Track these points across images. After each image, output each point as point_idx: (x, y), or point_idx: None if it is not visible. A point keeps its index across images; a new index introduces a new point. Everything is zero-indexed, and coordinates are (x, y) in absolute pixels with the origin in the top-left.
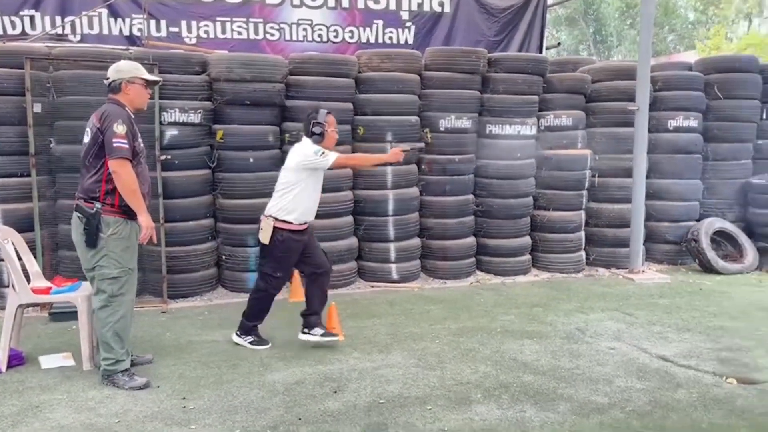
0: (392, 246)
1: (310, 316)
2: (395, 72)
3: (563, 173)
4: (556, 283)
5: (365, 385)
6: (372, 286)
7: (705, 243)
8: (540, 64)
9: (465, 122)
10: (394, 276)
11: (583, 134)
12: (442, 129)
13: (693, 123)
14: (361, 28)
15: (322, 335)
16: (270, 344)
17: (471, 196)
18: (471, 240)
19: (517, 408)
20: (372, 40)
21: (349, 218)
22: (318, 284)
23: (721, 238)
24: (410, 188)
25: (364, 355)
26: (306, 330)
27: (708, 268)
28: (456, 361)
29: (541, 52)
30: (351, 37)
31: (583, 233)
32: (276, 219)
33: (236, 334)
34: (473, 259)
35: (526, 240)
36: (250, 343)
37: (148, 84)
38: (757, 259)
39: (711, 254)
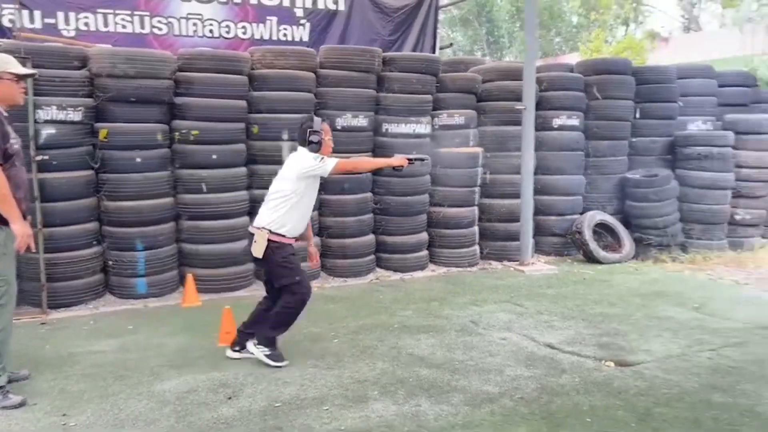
0: None
1: (247, 335)
2: (290, 69)
3: (457, 171)
4: (452, 277)
5: (261, 389)
6: None
7: (588, 235)
8: (433, 64)
9: (361, 121)
10: None
11: (475, 132)
12: (338, 127)
13: (575, 122)
14: (254, 24)
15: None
16: (287, 362)
17: (369, 194)
18: (370, 238)
19: (412, 402)
20: (266, 37)
21: (246, 219)
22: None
23: (602, 229)
24: None
25: None
26: (237, 348)
27: (591, 258)
28: (354, 359)
29: (434, 51)
30: (244, 33)
31: (476, 228)
32: (270, 231)
33: (253, 344)
34: (373, 257)
35: (424, 236)
36: (267, 356)
37: (20, 78)
38: (634, 249)
39: (593, 245)
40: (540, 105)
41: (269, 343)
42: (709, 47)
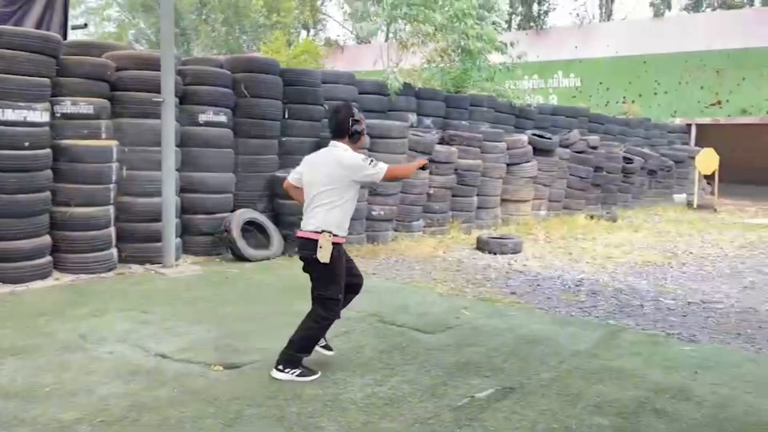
0: None
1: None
2: None
3: (86, 165)
4: (79, 285)
5: None
6: None
7: (236, 233)
8: (50, 44)
9: None
10: None
11: (108, 124)
12: None
13: (222, 118)
14: None
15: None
16: (319, 373)
17: None
18: None
19: None
20: None
21: None
22: (353, 290)
23: (252, 227)
24: None
25: None
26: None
27: (239, 257)
28: None
29: (65, 31)
30: None
31: (113, 229)
32: (332, 234)
33: (277, 369)
34: None
35: (45, 240)
36: (298, 375)
37: None
38: (282, 245)
39: (241, 243)
40: (185, 99)
41: (297, 363)
42: (374, 57)
